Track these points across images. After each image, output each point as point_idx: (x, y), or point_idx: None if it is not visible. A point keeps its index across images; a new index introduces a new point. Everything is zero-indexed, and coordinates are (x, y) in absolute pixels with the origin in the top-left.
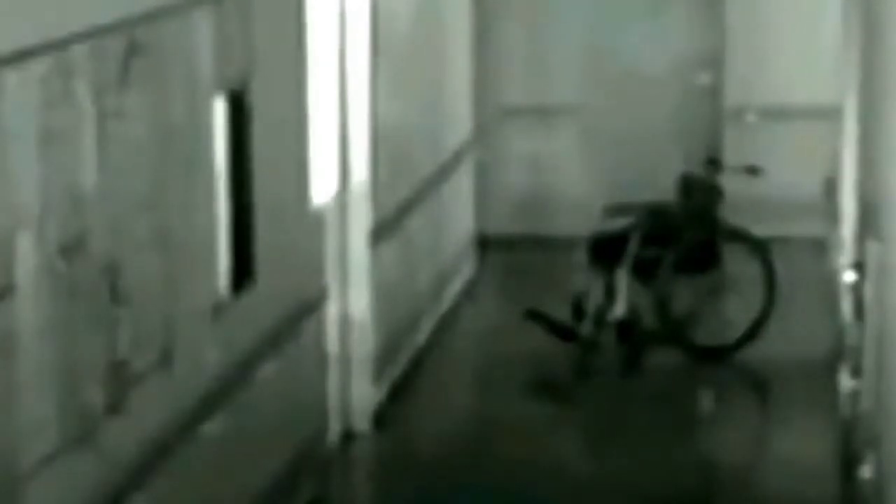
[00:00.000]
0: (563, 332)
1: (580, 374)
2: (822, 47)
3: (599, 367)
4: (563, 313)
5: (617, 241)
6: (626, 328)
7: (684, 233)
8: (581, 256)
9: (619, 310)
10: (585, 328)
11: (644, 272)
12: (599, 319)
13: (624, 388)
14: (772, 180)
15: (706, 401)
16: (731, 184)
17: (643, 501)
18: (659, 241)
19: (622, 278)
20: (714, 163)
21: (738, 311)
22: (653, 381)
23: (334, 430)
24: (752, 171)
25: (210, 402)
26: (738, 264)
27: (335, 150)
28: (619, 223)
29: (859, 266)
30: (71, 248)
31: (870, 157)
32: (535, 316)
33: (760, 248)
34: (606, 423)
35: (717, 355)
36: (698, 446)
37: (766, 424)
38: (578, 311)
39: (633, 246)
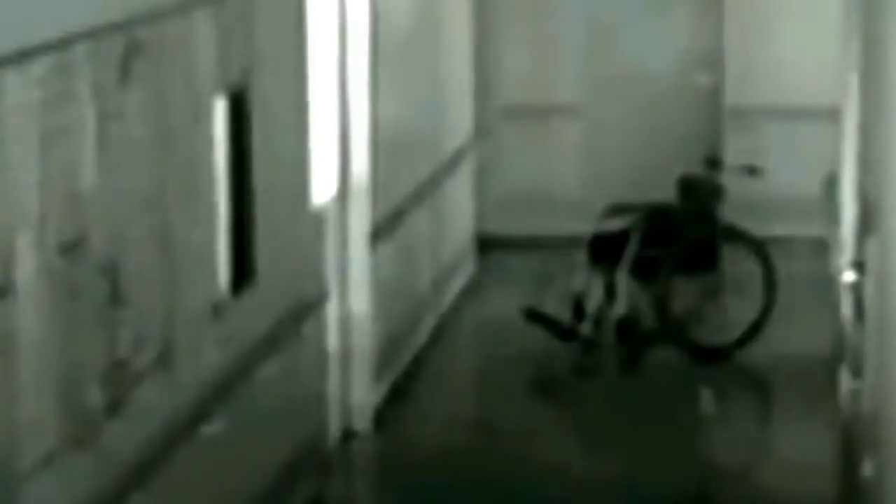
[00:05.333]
0: (562, 332)
1: (580, 373)
2: (822, 47)
3: (599, 367)
4: (562, 313)
5: (617, 241)
6: (626, 328)
7: (684, 233)
8: (581, 256)
9: (619, 309)
10: (585, 328)
11: (644, 272)
12: (599, 319)
13: (624, 388)
14: (772, 180)
15: (706, 400)
16: (731, 183)
17: (643, 501)
18: (659, 241)
19: (622, 278)
20: (714, 162)
21: (737, 310)
22: (652, 380)
23: (334, 429)
24: (752, 170)
25: (210, 402)
26: (737, 264)
27: (335, 150)
28: (619, 223)
29: (859, 266)
30: (71, 248)
31: (870, 156)
32: (534, 316)
33: (760, 248)
34: (606, 422)
35: (717, 355)
36: (698, 446)
37: (766, 424)
38: (578, 310)
39: (633, 246)
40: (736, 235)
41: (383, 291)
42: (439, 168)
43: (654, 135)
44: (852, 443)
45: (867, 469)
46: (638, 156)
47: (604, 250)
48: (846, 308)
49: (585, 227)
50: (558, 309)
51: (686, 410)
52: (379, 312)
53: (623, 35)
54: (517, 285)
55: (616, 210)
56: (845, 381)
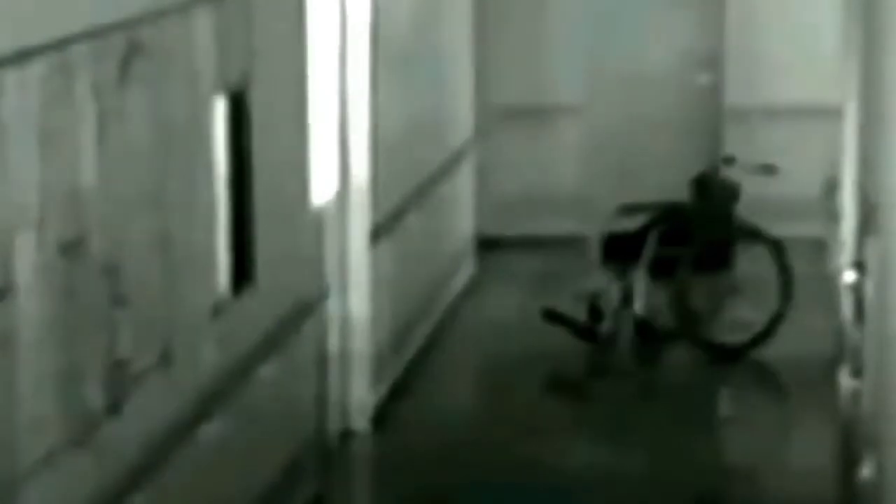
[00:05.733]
0: (582, 332)
1: (597, 372)
2: (822, 47)
3: (617, 366)
4: (577, 313)
5: (632, 241)
6: (644, 327)
7: (701, 232)
8: (594, 255)
9: (637, 309)
10: (604, 327)
11: (660, 271)
12: (617, 318)
13: (641, 386)
14: (772, 180)
15: (724, 402)
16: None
17: (655, 498)
18: (675, 241)
19: (640, 277)
20: (729, 161)
21: (753, 309)
22: (670, 379)
23: (333, 429)
24: (768, 169)
25: (210, 402)
26: (754, 263)
27: (335, 150)
28: (632, 222)
29: (859, 266)
30: (71, 248)
31: (870, 157)
32: (553, 316)
33: (776, 247)
34: (621, 420)
35: (734, 353)
36: (697, 445)
37: (765, 424)
38: (595, 310)
39: (650, 245)
40: (752, 234)
41: (383, 291)
42: (439, 168)
43: (653, 135)
44: (852, 443)
45: (867, 469)
46: (638, 156)
47: (619, 250)
48: (846, 308)
49: (585, 227)
50: (572, 309)
51: (699, 408)
52: (379, 312)
53: (623, 35)
54: (517, 285)
55: (628, 210)
56: (845, 381)
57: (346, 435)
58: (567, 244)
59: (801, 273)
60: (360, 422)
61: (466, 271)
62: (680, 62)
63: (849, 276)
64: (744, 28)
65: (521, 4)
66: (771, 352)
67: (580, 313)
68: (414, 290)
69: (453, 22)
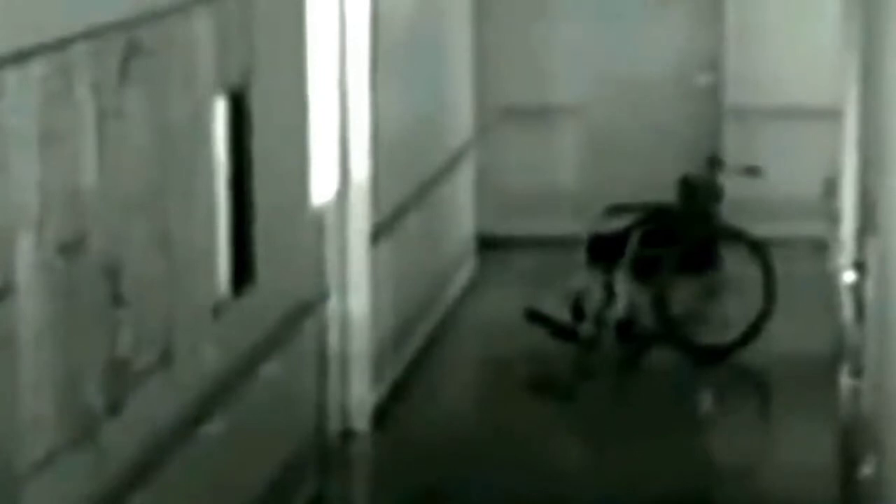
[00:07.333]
0: (563, 333)
1: (580, 374)
2: (822, 47)
3: (599, 367)
4: (563, 313)
5: (616, 241)
6: (626, 328)
7: (684, 233)
8: (581, 256)
9: (618, 310)
10: (585, 328)
11: (644, 272)
12: (599, 319)
13: (623, 388)
14: (772, 180)
15: (706, 400)
16: (731, 184)
17: (642, 501)
18: (659, 241)
19: (622, 278)
20: (715, 162)
21: (737, 310)
22: (652, 380)
23: (334, 429)
24: (753, 171)
25: (210, 402)
26: (737, 264)
27: (335, 150)
28: (619, 223)
29: (859, 266)
30: (71, 248)
31: (870, 157)
32: (534, 316)
33: (759, 249)
34: (606, 422)
35: (717, 355)
36: (698, 446)
37: (765, 424)
38: (578, 310)
39: (632, 246)
40: (735, 236)
41: (383, 291)
42: (439, 168)
43: (653, 135)
44: (852, 443)
45: (867, 469)
46: (638, 156)
47: (603, 250)
48: (846, 308)
49: (585, 227)
50: (558, 309)
51: (686, 410)
52: (379, 312)
53: (623, 35)
54: (517, 285)
55: (615, 210)
56: (845, 381)
57: (346, 435)
58: (567, 244)
59: (801, 273)
60: (360, 422)
61: (467, 271)
62: (679, 62)
63: (849, 276)
64: (743, 28)
65: (522, 4)
66: (769, 351)
67: (567, 314)
68: (414, 290)
69: (453, 21)
